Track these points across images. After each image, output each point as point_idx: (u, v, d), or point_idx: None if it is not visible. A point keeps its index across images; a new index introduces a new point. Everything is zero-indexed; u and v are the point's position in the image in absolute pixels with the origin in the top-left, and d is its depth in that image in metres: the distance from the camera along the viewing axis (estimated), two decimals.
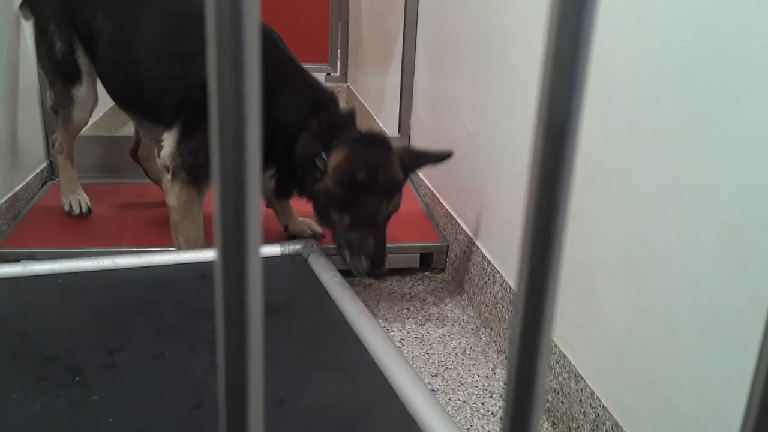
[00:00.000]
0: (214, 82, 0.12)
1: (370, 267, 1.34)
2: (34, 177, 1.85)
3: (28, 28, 1.84)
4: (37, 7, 1.58)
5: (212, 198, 0.13)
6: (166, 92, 1.38)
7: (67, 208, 1.67)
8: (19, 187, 1.75)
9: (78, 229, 1.62)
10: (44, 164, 1.93)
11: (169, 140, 1.37)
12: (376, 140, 1.36)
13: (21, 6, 1.65)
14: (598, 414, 1.00)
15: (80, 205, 1.68)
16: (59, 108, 1.61)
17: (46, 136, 1.95)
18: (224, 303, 0.13)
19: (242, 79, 0.12)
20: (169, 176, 1.37)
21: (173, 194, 1.37)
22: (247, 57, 0.12)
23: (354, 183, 1.26)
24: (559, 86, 0.16)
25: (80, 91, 1.58)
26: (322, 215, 1.33)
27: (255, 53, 0.12)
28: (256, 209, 0.13)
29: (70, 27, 1.53)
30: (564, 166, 0.17)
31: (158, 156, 1.50)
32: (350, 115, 1.36)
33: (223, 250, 0.12)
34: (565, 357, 1.11)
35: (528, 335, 0.21)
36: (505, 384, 0.21)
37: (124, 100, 1.55)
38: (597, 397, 1.01)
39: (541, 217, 0.18)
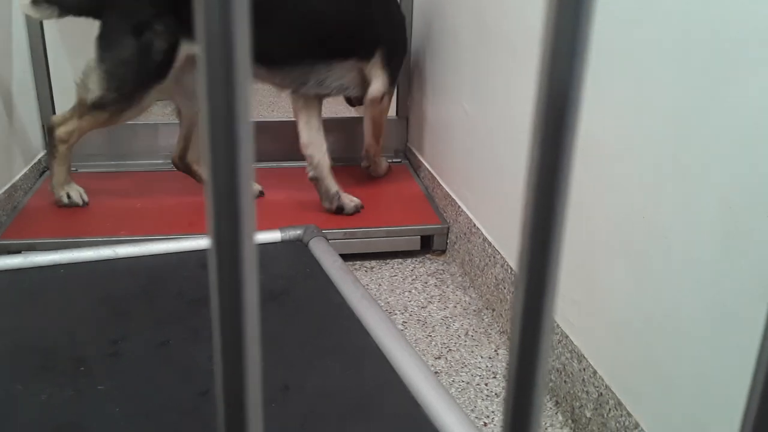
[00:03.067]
0: (203, 63, 0.12)
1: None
2: (31, 167, 1.84)
3: (19, 17, 1.82)
4: (121, 11, 1.54)
5: (204, 186, 0.12)
6: (358, 27, 1.67)
7: (66, 200, 1.66)
8: (17, 177, 1.74)
9: (77, 219, 1.62)
10: (41, 154, 1.93)
11: (377, 74, 1.70)
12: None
13: (39, 3, 1.55)
14: (601, 393, 1.00)
15: (81, 196, 1.67)
16: (111, 105, 1.56)
17: (43, 126, 1.94)
18: (219, 291, 0.12)
19: (232, 53, 0.11)
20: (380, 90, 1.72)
21: (385, 102, 1.77)
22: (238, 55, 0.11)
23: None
24: (559, 62, 0.15)
25: (150, 95, 1.58)
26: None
27: (245, 22, 0.12)
28: (249, 191, 0.12)
29: (179, 23, 1.51)
30: (565, 145, 0.16)
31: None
32: None
33: (216, 238, 0.12)
34: (567, 337, 1.11)
35: (530, 315, 0.20)
36: (507, 364, 0.21)
37: (298, 53, 1.64)
38: (599, 376, 1.01)
39: (542, 196, 0.18)
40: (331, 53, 1.66)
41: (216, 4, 0.13)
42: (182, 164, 1.78)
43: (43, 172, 1.91)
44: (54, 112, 1.95)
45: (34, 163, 1.87)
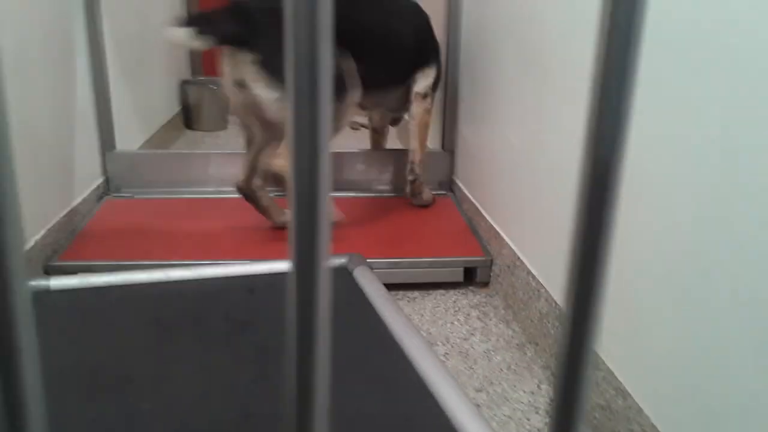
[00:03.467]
0: (293, 108, 0.14)
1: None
2: (90, 192, 1.92)
3: (82, 45, 1.92)
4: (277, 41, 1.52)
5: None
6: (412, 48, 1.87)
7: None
8: (76, 202, 1.82)
9: (133, 243, 1.68)
10: (100, 180, 2.01)
11: (427, 74, 1.90)
12: None
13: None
14: (646, 431, 0.98)
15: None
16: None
17: (103, 153, 2.02)
18: (297, 312, 0.14)
19: (317, 107, 0.13)
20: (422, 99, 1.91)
21: (429, 100, 1.92)
22: (322, 88, 0.13)
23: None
24: (606, 115, 0.17)
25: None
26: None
27: (327, 84, 0.14)
28: (327, 222, 0.14)
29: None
30: (610, 194, 0.17)
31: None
32: None
33: (297, 262, 0.14)
34: (612, 373, 1.09)
35: (573, 351, 0.21)
36: (550, 399, 0.22)
37: (380, 82, 1.84)
38: (645, 414, 1.00)
39: (588, 239, 0.19)
40: (407, 74, 1.89)
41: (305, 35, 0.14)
42: (247, 189, 1.74)
43: (101, 197, 1.99)
44: (114, 140, 2.03)
45: (93, 189, 1.95)
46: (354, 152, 2.16)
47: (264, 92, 1.52)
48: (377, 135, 2.18)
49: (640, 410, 1.01)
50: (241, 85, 1.55)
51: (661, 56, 0.95)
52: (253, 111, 1.60)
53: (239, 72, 1.55)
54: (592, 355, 0.21)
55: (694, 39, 0.88)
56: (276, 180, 1.63)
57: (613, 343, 1.09)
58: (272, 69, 1.50)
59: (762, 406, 0.76)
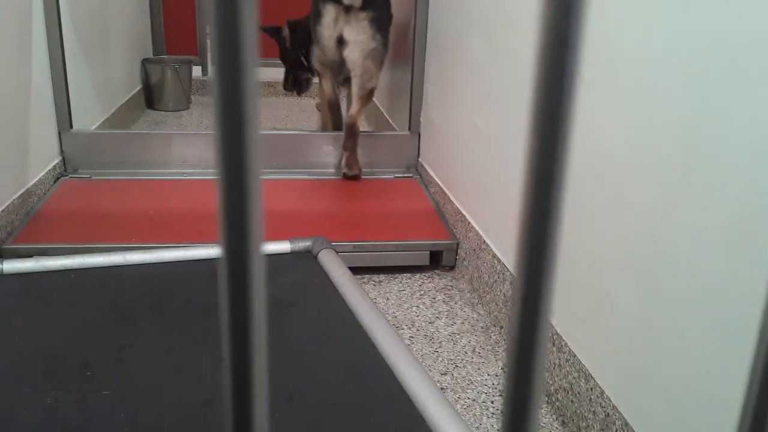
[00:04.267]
0: (217, 78, 0.12)
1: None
2: (46, 173, 1.86)
3: (40, 24, 1.85)
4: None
5: (216, 194, 0.13)
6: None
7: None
8: (31, 183, 1.76)
9: (89, 225, 1.63)
10: (57, 160, 1.95)
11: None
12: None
13: None
14: (608, 413, 1.00)
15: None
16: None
17: (59, 132, 1.96)
18: (228, 299, 0.13)
19: (241, 75, 0.12)
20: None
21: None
22: (248, 54, 0.12)
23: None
24: (551, 85, 0.16)
25: None
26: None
27: (254, 52, 0.12)
28: (258, 203, 0.13)
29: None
30: (558, 161, 0.16)
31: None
32: None
33: (227, 247, 0.12)
34: (575, 356, 1.10)
35: (526, 326, 0.21)
36: (504, 381, 0.21)
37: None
38: (607, 396, 1.01)
39: (537, 211, 0.18)
40: None
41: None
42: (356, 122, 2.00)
43: (58, 177, 1.93)
44: (71, 119, 1.97)
45: (49, 169, 1.89)
46: (320, 134, 2.13)
47: (368, 43, 1.90)
48: (335, 111, 2.18)
49: (602, 392, 1.02)
50: (341, 42, 1.90)
51: (621, 44, 0.95)
52: (341, 65, 1.97)
53: (349, 29, 1.89)
54: (545, 332, 0.21)
55: (657, 16, 0.88)
56: (350, 130, 1.96)
57: (575, 325, 1.10)
58: (378, 25, 1.89)
59: (721, 388, 0.77)
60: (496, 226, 1.48)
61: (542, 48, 0.15)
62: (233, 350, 0.13)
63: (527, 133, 0.17)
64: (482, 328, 1.43)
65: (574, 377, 1.10)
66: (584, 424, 1.06)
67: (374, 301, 1.19)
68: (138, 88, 3.09)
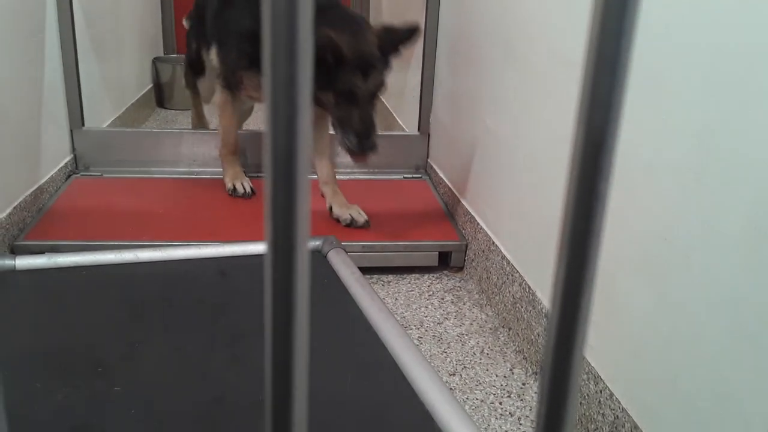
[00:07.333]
0: (269, 70, 0.13)
1: (358, 141, 1.43)
2: (58, 170, 1.87)
3: (53, 22, 1.86)
4: None
5: (263, 190, 0.13)
6: None
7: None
8: (43, 180, 1.77)
9: (101, 223, 1.64)
10: (69, 158, 1.96)
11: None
12: (347, 19, 1.45)
13: None
14: (617, 416, 0.99)
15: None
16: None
17: (71, 130, 1.97)
18: (273, 294, 0.13)
19: (296, 68, 0.12)
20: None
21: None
22: (301, 46, 0.12)
23: (322, 59, 1.33)
24: (599, 90, 0.16)
25: None
26: (313, 97, 1.60)
27: (308, 43, 0.12)
28: (306, 200, 0.13)
29: None
30: (602, 176, 0.17)
31: None
32: (335, 2, 1.52)
33: (273, 243, 0.13)
34: (584, 358, 1.10)
35: (561, 352, 0.20)
36: (537, 395, 0.21)
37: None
38: (616, 398, 1.00)
39: (578, 230, 0.18)
40: None
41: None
42: None
43: (69, 175, 1.94)
44: (83, 117, 1.98)
45: (61, 167, 1.90)
46: (332, 134, 2.13)
47: None
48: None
49: (611, 395, 1.02)
50: None
51: (639, 45, 0.94)
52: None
53: None
54: (580, 357, 0.21)
55: (684, 25, 0.88)
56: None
57: None
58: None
59: (734, 391, 0.77)
60: (505, 227, 1.48)
61: (592, 51, 0.15)
62: (275, 345, 0.13)
63: (572, 146, 0.17)
64: (490, 329, 1.43)
65: (583, 379, 1.10)
66: (593, 426, 1.06)
67: (383, 301, 1.19)
68: (149, 87, 3.11)
